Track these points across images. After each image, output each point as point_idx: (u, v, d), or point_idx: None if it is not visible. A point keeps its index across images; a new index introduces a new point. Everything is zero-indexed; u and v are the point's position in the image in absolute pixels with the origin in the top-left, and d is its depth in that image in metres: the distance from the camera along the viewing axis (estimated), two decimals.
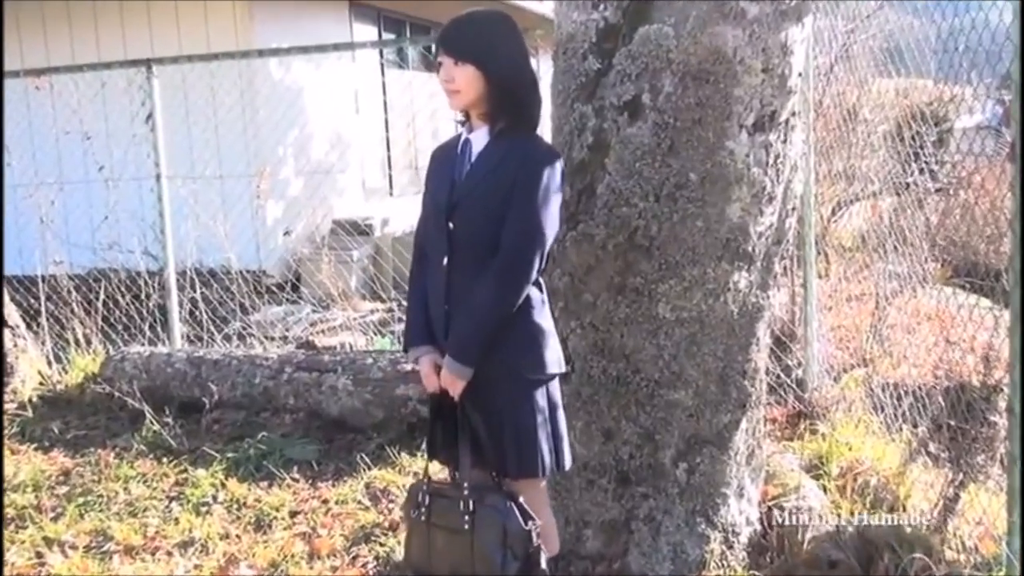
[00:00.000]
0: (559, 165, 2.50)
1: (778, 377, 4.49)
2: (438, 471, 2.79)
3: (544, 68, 2.67)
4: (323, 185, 8.30)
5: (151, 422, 4.76)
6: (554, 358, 2.56)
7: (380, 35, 10.38)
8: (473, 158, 2.55)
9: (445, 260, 2.54)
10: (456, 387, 2.49)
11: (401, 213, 9.25)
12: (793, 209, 3.16)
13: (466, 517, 2.46)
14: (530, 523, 2.47)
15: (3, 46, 6.13)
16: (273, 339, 6.40)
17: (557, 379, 2.59)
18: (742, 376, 3.07)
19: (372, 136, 9.85)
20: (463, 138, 2.60)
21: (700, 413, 3.02)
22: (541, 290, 2.56)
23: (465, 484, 2.49)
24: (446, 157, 2.64)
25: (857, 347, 4.92)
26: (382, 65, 9.96)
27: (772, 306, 3.17)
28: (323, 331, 6.72)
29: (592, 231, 2.93)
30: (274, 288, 7.47)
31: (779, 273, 3.22)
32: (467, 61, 2.46)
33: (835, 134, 5.31)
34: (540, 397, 2.53)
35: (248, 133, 7.87)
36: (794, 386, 4.53)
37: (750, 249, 2.95)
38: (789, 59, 2.87)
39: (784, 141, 2.97)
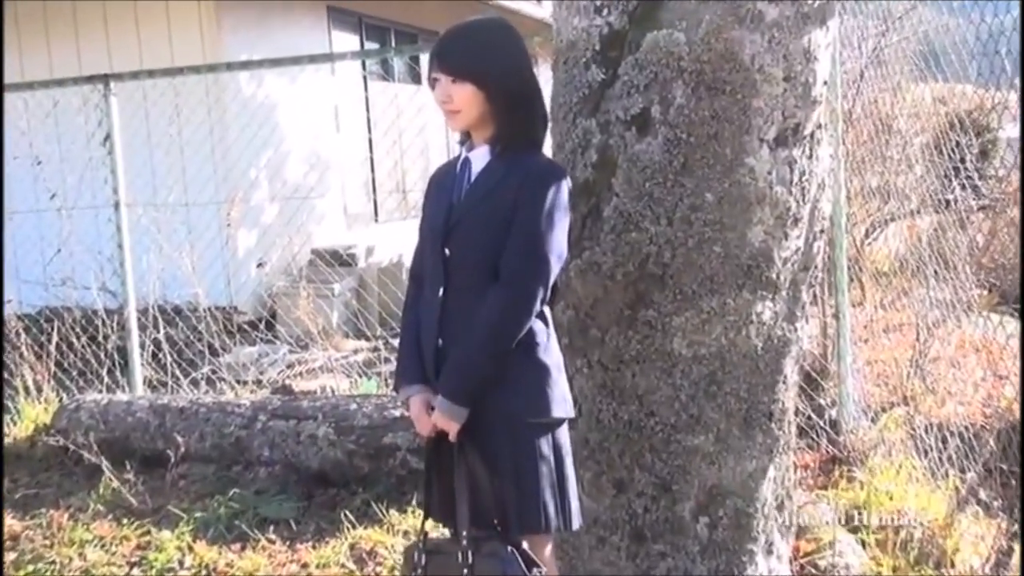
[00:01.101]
0: (565, 183, 2.52)
1: (809, 418, 4.48)
2: (437, 526, 2.78)
3: (544, 79, 2.69)
4: (300, 211, 8.32)
5: (109, 478, 4.74)
6: (560, 401, 2.55)
7: (362, 44, 10.46)
8: (473, 178, 2.57)
9: (441, 290, 2.55)
10: (452, 429, 2.48)
11: (387, 241, 9.28)
12: (822, 231, 3.17)
13: (464, 571, 2.45)
14: (534, 570, 2.46)
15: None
16: (246, 383, 6.39)
17: (565, 424, 2.59)
18: (768, 418, 3.06)
19: (354, 156, 9.89)
20: (463, 157, 2.63)
21: (722, 460, 3.01)
22: (547, 324, 2.57)
23: (464, 534, 2.47)
24: (445, 178, 2.67)
25: (897, 383, 4.92)
26: (365, 78, 10.02)
27: (801, 339, 3.17)
28: (301, 374, 6.71)
29: (599, 259, 2.94)
30: (246, 326, 7.48)
31: (808, 302, 3.23)
32: (466, 79, 2.49)
33: (867, 147, 5.34)
34: (544, 444, 2.52)
35: (216, 155, 7.90)
36: (827, 428, 4.52)
37: (774, 276, 2.96)
38: (813, 66, 2.89)
39: (810, 156, 2.98)
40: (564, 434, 2.58)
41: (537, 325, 2.51)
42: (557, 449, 2.54)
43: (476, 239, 2.50)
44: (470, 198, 2.55)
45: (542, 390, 2.52)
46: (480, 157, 2.57)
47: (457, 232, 2.53)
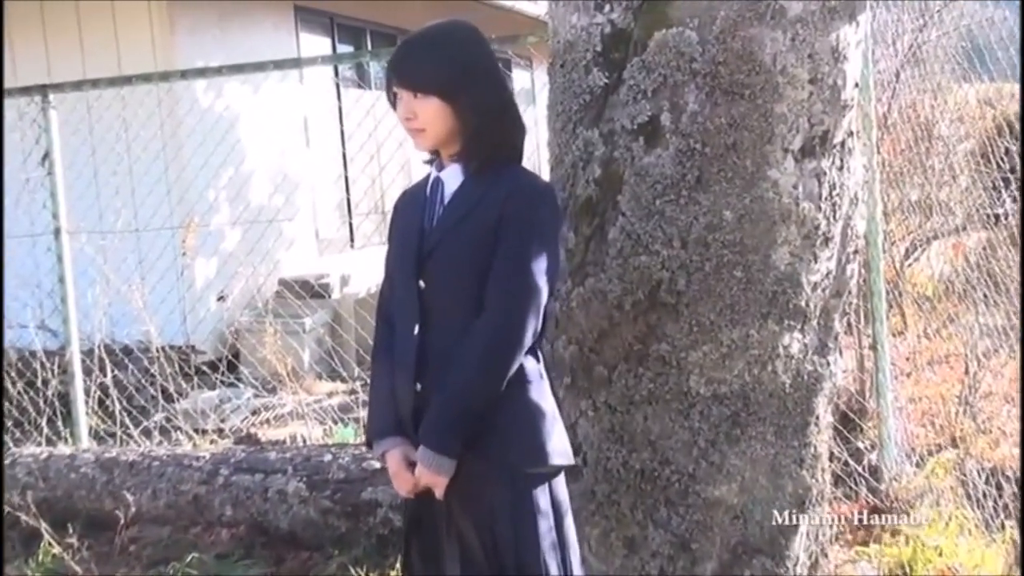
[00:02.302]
0: (555, 200, 2.53)
1: (846, 464, 4.47)
2: None
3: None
4: (266, 237, 8.32)
5: (50, 543, 4.72)
6: (558, 446, 2.54)
7: (334, 48, 10.49)
8: (446, 199, 2.57)
9: (416, 328, 2.54)
10: (439, 484, 2.47)
11: (365, 269, 9.27)
12: (855, 252, 3.18)
13: None
14: None
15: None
16: (205, 433, 6.37)
17: (563, 474, 2.58)
18: (799, 465, 3.06)
19: (327, 174, 9.90)
20: (432, 177, 2.63)
21: (747, 514, 3.01)
22: (538, 360, 2.56)
23: None
24: (413, 203, 2.66)
25: (944, 423, 4.92)
26: (337, 85, 10.05)
27: (834, 375, 3.17)
28: (269, 421, 6.70)
29: (604, 287, 2.94)
30: (206, 368, 7.46)
31: (841, 333, 3.23)
32: (430, 92, 2.49)
33: (905, 156, 5.36)
34: (542, 497, 2.51)
35: (170, 175, 7.91)
36: (866, 475, 4.52)
37: (803, 304, 2.96)
38: (842, 66, 2.91)
39: (840, 168, 3.00)
40: (562, 485, 2.57)
41: (529, 362, 2.51)
42: (556, 503, 2.53)
43: (456, 266, 2.50)
44: (445, 221, 2.54)
45: (538, 435, 2.51)
46: (453, 176, 2.57)
47: (433, 260, 2.52)
